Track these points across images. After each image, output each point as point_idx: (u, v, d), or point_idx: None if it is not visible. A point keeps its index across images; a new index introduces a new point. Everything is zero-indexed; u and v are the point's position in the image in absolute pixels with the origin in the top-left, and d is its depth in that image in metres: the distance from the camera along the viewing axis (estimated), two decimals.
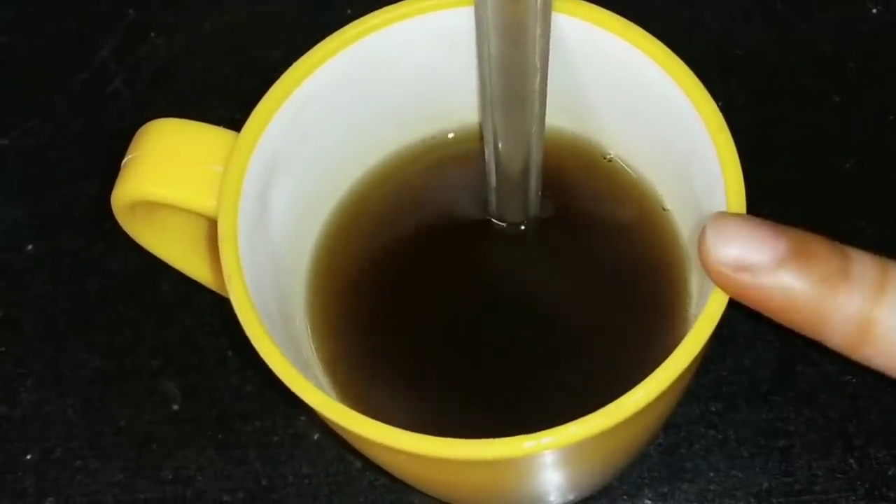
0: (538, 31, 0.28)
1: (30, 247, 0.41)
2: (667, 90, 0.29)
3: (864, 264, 0.25)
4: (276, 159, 0.30)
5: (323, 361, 0.31)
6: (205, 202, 0.29)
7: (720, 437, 0.36)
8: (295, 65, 0.30)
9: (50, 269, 0.40)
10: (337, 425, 0.26)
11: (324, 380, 0.31)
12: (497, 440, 0.25)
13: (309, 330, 0.32)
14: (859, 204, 0.39)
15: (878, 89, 0.41)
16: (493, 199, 0.33)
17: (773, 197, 0.37)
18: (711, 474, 0.35)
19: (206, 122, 0.30)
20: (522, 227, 0.33)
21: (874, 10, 0.42)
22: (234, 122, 0.30)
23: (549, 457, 0.26)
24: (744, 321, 0.37)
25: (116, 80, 0.43)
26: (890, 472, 0.35)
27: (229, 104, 0.42)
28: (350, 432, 0.26)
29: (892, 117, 0.40)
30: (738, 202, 0.27)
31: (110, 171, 0.30)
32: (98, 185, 0.41)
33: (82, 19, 0.44)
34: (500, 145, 0.31)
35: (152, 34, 0.44)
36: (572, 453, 0.26)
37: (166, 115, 0.30)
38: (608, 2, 0.30)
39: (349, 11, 0.43)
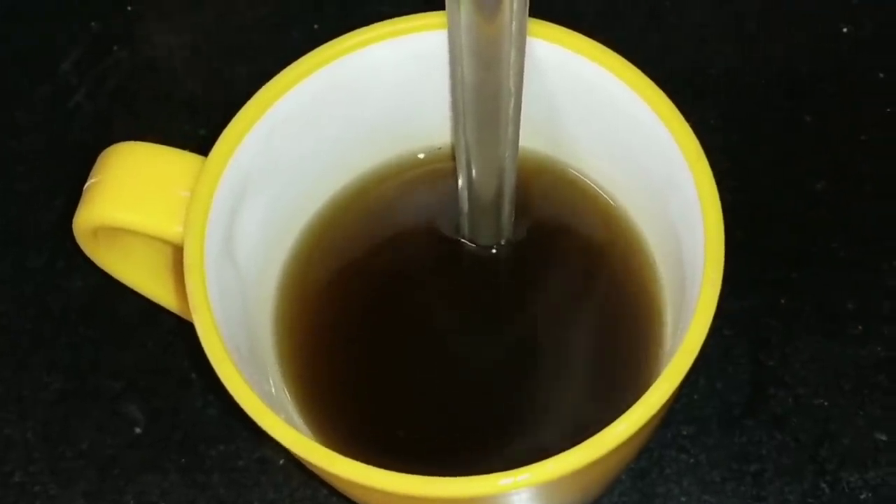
0: (512, 55, 0.27)
1: None
2: (642, 116, 0.28)
3: None
4: (246, 183, 0.29)
5: (291, 390, 0.31)
6: (170, 228, 0.28)
7: (692, 461, 0.35)
8: (265, 87, 0.29)
9: (10, 288, 0.39)
10: (307, 461, 0.26)
11: (292, 408, 0.30)
12: (473, 478, 0.24)
13: (276, 357, 0.31)
14: (831, 225, 0.39)
15: (850, 110, 0.40)
16: (465, 222, 0.32)
17: (744, 218, 0.38)
18: (683, 499, 0.35)
19: (170, 137, 0.29)
20: (494, 251, 0.33)
21: (845, 30, 0.42)
22: (199, 137, 0.29)
23: (525, 493, 0.25)
24: (716, 344, 0.37)
25: (78, 94, 0.42)
26: (862, 497, 0.35)
27: (194, 119, 0.41)
28: (321, 469, 0.25)
29: (863, 138, 0.40)
30: (717, 229, 0.27)
31: (72, 188, 0.30)
32: (61, 201, 0.40)
33: (44, 32, 0.43)
34: (473, 169, 0.30)
35: (115, 48, 0.43)
36: (547, 489, 0.26)
37: (130, 130, 0.29)
38: (582, 23, 0.30)
39: (316, 26, 0.42)
